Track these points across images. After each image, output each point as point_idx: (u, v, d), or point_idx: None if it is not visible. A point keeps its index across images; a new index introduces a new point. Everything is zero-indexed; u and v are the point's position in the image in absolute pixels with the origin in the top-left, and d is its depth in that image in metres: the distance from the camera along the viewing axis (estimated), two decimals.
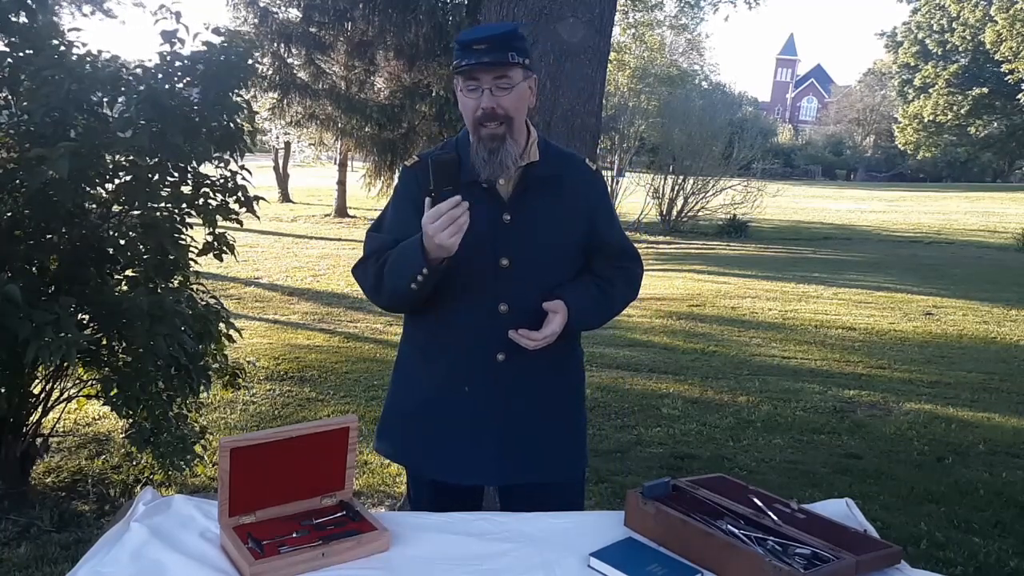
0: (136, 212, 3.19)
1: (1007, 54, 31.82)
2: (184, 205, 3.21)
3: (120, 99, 3.04)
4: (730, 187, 18.41)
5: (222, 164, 3.29)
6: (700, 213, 18.42)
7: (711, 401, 5.28)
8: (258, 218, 3.59)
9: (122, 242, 3.16)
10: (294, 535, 1.39)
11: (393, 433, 1.86)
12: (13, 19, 2.93)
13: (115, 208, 3.22)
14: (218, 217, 3.28)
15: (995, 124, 38.52)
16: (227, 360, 3.70)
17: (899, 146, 42.36)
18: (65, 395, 3.47)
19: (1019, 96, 33.54)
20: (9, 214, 3.02)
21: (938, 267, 13.15)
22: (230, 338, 3.52)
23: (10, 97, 3.00)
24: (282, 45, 11.51)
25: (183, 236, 3.23)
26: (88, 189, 3.06)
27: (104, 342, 3.21)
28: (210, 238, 3.36)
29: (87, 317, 3.11)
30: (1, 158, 2.99)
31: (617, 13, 9.95)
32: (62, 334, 2.62)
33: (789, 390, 5.58)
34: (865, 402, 5.38)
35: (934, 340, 7.51)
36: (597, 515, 1.62)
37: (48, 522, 3.09)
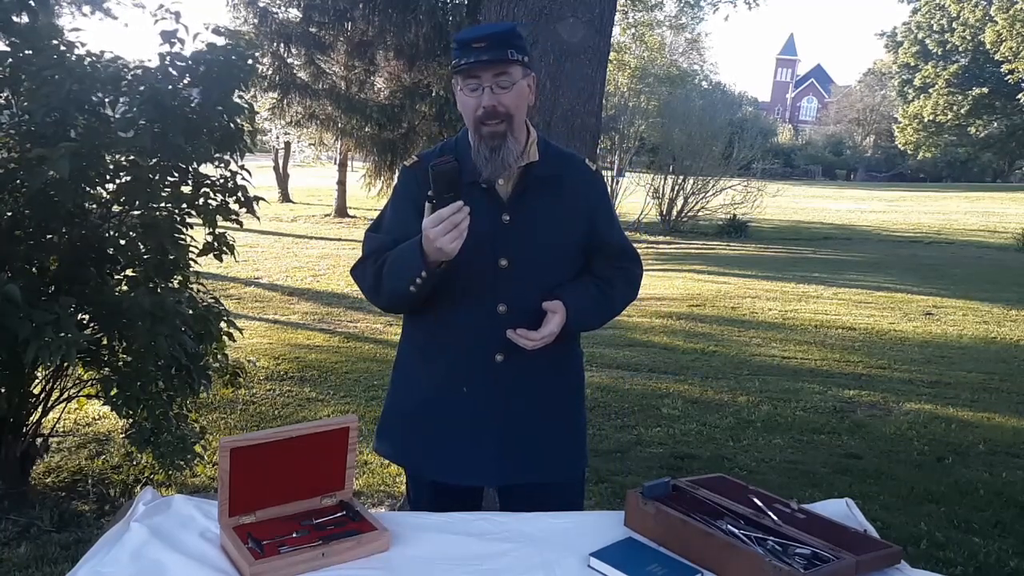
0: (136, 212, 3.19)
1: (1007, 54, 31.81)
2: (184, 205, 3.21)
3: (122, 99, 3.04)
4: (730, 187, 18.41)
5: (222, 164, 3.29)
6: (700, 213, 18.42)
7: (711, 401, 5.28)
8: (258, 218, 3.59)
9: (122, 242, 3.17)
10: (294, 535, 1.39)
11: (393, 433, 1.86)
12: (15, 19, 2.93)
13: (115, 208, 3.22)
14: (218, 217, 3.28)
15: (995, 124, 38.51)
16: (227, 360, 3.70)
17: (899, 146, 42.35)
18: (65, 395, 3.48)
19: (1019, 96, 33.54)
20: (9, 214, 3.02)
21: (938, 267, 13.15)
22: (231, 337, 3.52)
23: (11, 97, 3.00)
24: (282, 45, 11.52)
25: (183, 236, 3.23)
26: (88, 189, 3.07)
27: (104, 342, 3.21)
28: (210, 238, 3.36)
29: (87, 317, 3.11)
30: (2, 158, 2.99)
31: (617, 13, 9.95)
32: (62, 334, 2.62)
33: (789, 390, 5.58)
34: (865, 402, 5.38)
35: (934, 340, 7.51)
36: (597, 515, 1.62)
37: (48, 522, 3.09)
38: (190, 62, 3.09)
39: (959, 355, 6.93)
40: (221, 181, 3.29)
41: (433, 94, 10.43)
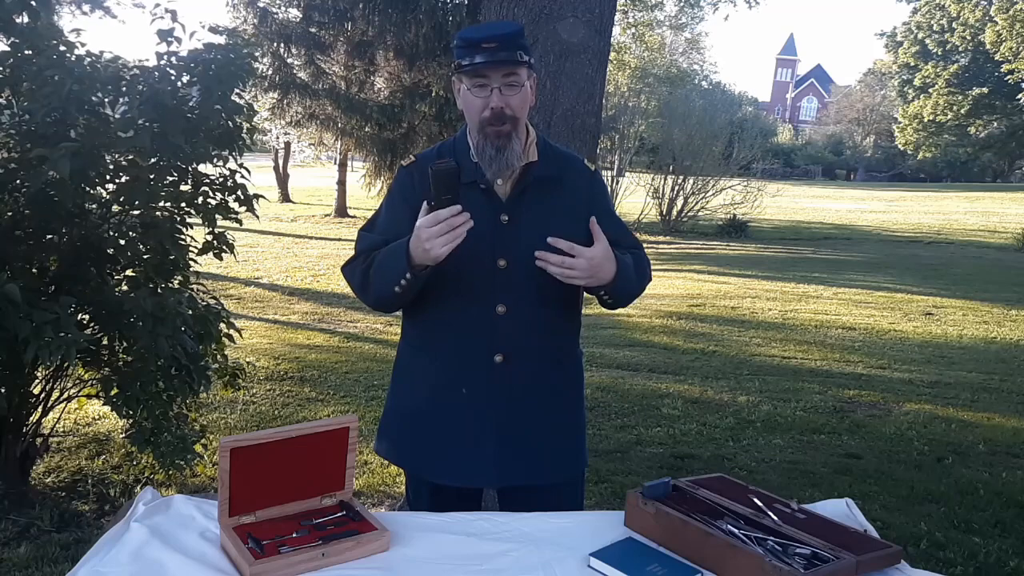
0: (136, 212, 3.19)
1: (1007, 54, 31.80)
2: (184, 204, 3.21)
3: (121, 99, 3.04)
4: (730, 187, 18.40)
5: (221, 163, 3.29)
6: (700, 213, 18.42)
7: (711, 401, 5.28)
8: (258, 217, 3.59)
9: (122, 242, 3.17)
10: (294, 535, 1.39)
11: (392, 434, 1.86)
12: (15, 19, 2.93)
13: (115, 208, 3.22)
14: (218, 216, 3.28)
15: (995, 124, 38.51)
16: (227, 360, 3.70)
17: (899, 146, 42.35)
18: (65, 395, 3.47)
19: (1019, 96, 33.53)
20: (9, 214, 3.02)
21: (938, 267, 13.15)
22: (230, 338, 3.52)
23: (11, 97, 3.00)
24: (282, 45, 11.52)
25: (183, 236, 3.23)
26: (88, 189, 3.07)
27: (104, 342, 3.21)
28: (210, 237, 3.36)
29: (87, 317, 3.11)
30: (2, 158, 2.99)
31: (617, 13, 9.95)
32: (62, 334, 2.62)
33: (789, 390, 5.58)
34: (865, 402, 5.38)
35: (934, 340, 7.51)
36: (597, 515, 1.62)
37: (48, 522, 3.09)
38: (188, 61, 3.09)
39: (959, 355, 6.93)
40: (220, 180, 3.28)
41: (433, 94, 10.44)
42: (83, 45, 3.01)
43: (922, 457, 4.31)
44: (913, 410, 5.21)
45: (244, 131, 3.32)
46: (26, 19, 2.93)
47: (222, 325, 3.42)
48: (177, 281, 3.34)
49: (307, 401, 4.96)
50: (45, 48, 2.88)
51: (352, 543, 1.37)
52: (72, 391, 3.50)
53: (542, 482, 1.76)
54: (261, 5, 11.41)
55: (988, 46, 33.20)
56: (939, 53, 38.53)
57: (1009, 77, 32.87)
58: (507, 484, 1.77)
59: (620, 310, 1.99)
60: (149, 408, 3.13)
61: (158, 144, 2.93)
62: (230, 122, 3.21)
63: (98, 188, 3.15)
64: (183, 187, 3.21)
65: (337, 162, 19.79)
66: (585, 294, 1.81)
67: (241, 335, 3.72)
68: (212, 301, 3.50)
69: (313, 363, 5.86)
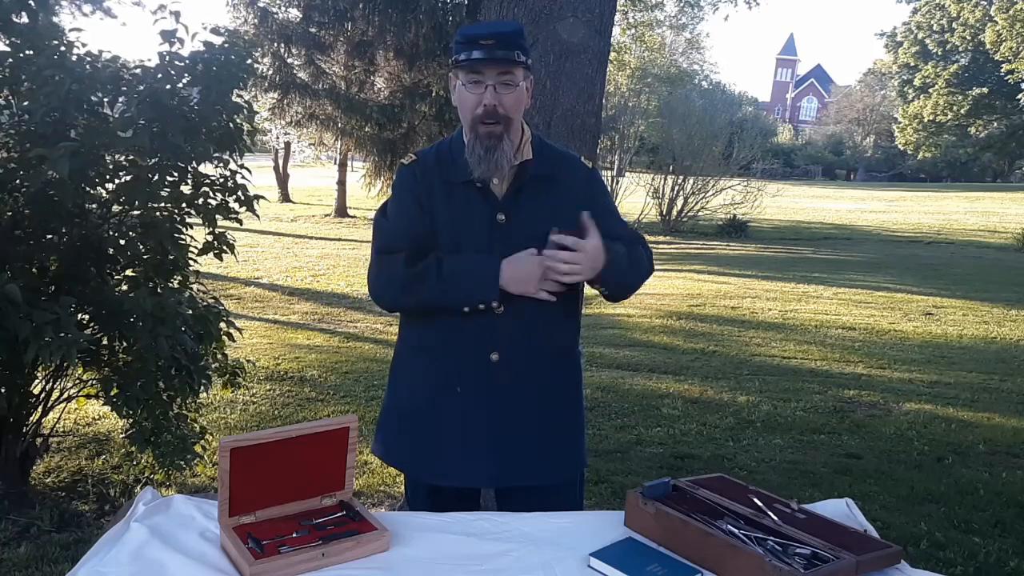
0: (136, 212, 3.18)
1: (1007, 54, 31.80)
2: (184, 205, 3.21)
3: (121, 99, 3.04)
4: (730, 187, 18.40)
5: (221, 163, 3.29)
6: (700, 213, 18.42)
7: (711, 401, 5.28)
8: (258, 217, 3.59)
9: (122, 242, 3.17)
10: (294, 535, 1.39)
11: (389, 434, 1.86)
12: (15, 19, 2.93)
13: (115, 208, 3.22)
14: (218, 217, 3.28)
15: (995, 124, 38.51)
16: (227, 360, 3.70)
17: (899, 146, 42.35)
18: (65, 395, 3.47)
19: (1019, 96, 33.53)
20: (9, 214, 3.02)
21: (938, 267, 13.15)
22: (230, 337, 3.52)
23: (11, 97, 3.00)
24: (282, 45, 11.52)
25: (183, 236, 3.23)
26: (88, 189, 3.06)
27: (104, 342, 3.21)
28: (210, 237, 3.36)
29: (87, 317, 3.11)
30: (2, 158, 2.99)
31: (617, 13, 9.95)
32: (62, 334, 2.62)
33: (789, 390, 5.58)
34: (865, 402, 5.38)
35: (934, 340, 7.51)
36: (597, 515, 1.62)
37: (48, 522, 3.09)
38: (189, 62, 3.09)
39: (959, 355, 6.93)
40: (220, 180, 3.28)
41: (433, 94, 10.44)
42: (83, 45, 3.01)
43: (922, 457, 4.31)
44: (913, 410, 5.21)
45: (244, 132, 3.32)
46: (26, 19, 2.93)
47: (222, 325, 3.42)
48: (177, 281, 3.33)
49: (307, 401, 4.96)
50: (45, 48, 2.88)
51: (352, 543, 1.37)
52: (72, 391, 3.50)
53: (540, 483, 1.76)
54: (261, 5, 11.41)
55: (988, 46, 33.20)
56: (939, 53, 38.53)
57: (1009, 77, 32.87)
58: (504, 485, 1.77)
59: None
60: (149, 408, 3.13)
61: (158, 144, 2.92)
62: (230, 122, 3.21)
63: (98, 188, 3.15)
64: (183, 187, 3.21)
65: (337, 162, 19.79)
66: (585, 294, 1.81)
67: (241, 335, 3.72)
68: (212, 301, 3.50)
69: (313, 363, 5.86)
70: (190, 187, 3.23)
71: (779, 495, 1.53)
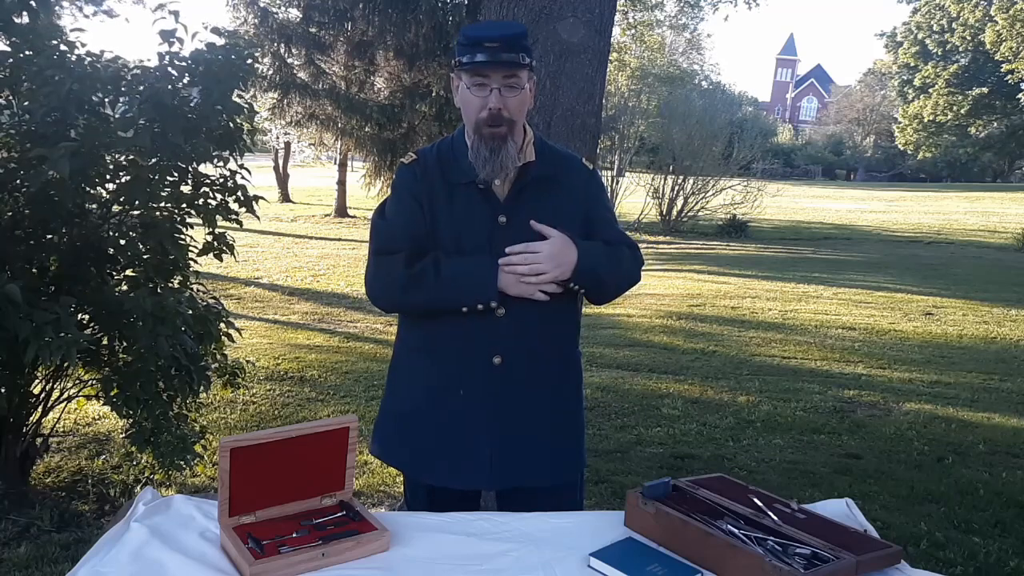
0: (136, 212, 3.19)
1: (1007, 54, 31.81)
2: (184, 205, 3.21)
3: (121, 99, 3.04)
4: (730, 187, 18.41)
5: (221, 163, 3.30)
6: (700, 213, 18.42)
7: (711, 401, 5.28)
8: (258, 218, 3.59)
9: (122, 242, 3.17)
10: (294, 535, 1.39)
11: (388, 435, 1.85)
12: (15, 19, 2.93)
13: (115, 208, 3.22)
14: (218, 217, 3.28)
15: (995, 124, 38.52)
16: (227, 360, 3.70)
17: (899, 146, 42.37)
18: (65, 395, 3.47)
19: (1019, 96, 33.55)
20: (9, 214, 3.03)
21: (938, 267, 13.15)
22: (230, 337, 3.52)
23: (11, 97, 3.00)
24: (282, 45, 11.51)
25: (183, 236, 3.23)
26: (88, 189, 3.07)
27: (104, 342, 3.21)
28: (210, 238, 3.36)
29: (87, 317, 3.11)
30: (2, 158, 2.99)
31: (617, 13, 9.95)
32: (62, 334, 2.62)
33: (789, 390, 5.58)
34: (865, 402, 5.38)
35: (934, 340, 7.51)
36: (597, 515, 1.62)
37: (48, 522, 3.09)
38: (189, 61, 3.09)
39: (959, 355, 6.93)
40: (220, 180, 3.29)
41: (433, 94, 10.43)
42: (83, 45, 3.02)
43: (922, 457, 4.31)
44: (913, 410, 5.21)
45: (244, 132, 3.32)
46: (26, 19, 2.93)
47: (222, 325, 3.42)
48: (177, 281, 3.34)
49: (307, 401, 4.96)
50: (45, 48, 2.88)
51: (352, 543, 1.37)
52: (72, 391, 3.50)
53: (540, 484, 1.76)
54: (261, 5, 11.40)
55: (988, 46, 33.21)
56: (939, 53, 38.55)
57: (1009, 77, 32.89)
58: (505, 486, 1.76)
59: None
60: (149, 408, 3.13)
61: (158, 144, 2.93)
62: (230, 122, 3.21)
63: (98, 188, 3.15)
64: (183, 187, 3.21)
65: (337, 162, 19.80)
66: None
67: (241, 335, 3.72)
68: (212, 301, 3.50)
69: (313, 363, 5.86)
70: (190, 187, 3.23)
71: (779, 495, 1.53)
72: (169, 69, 3.05)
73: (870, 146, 55.15)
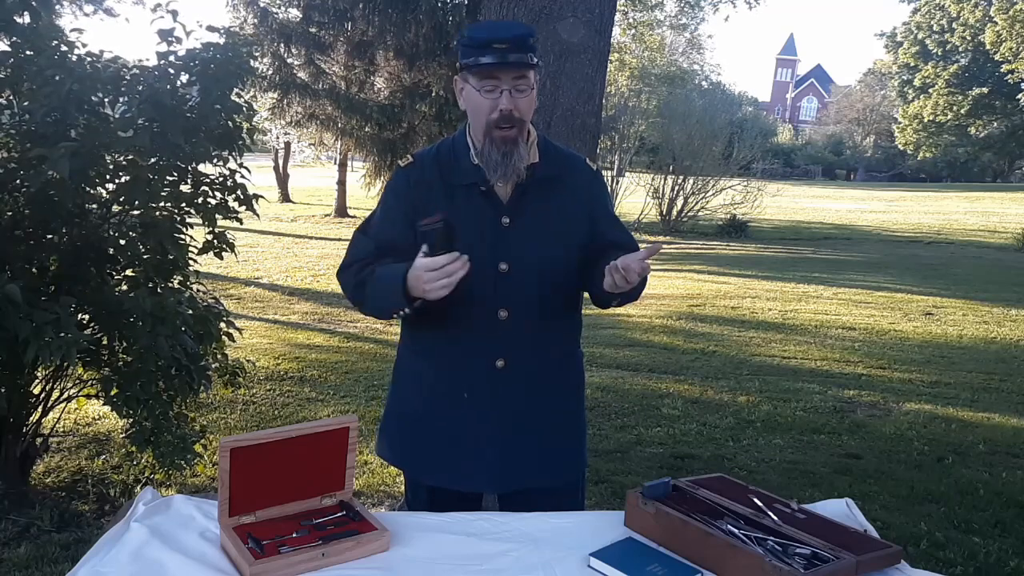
0: (136, 212, 3.19)
1: (1007, 54, 31.82)
2: (184, 204, 3.21)
3: (121, 99, 3.04)
4: (730, 187, 18.41)
5: (220, 162, 3.30)
6: (700, 213, 18.42)
7: (711, 401, 5.28)
8: (258, 216, 3.59)
9: (122, 242, 3.17)
10: (294, 535, 1.39)
11: (392, 436, 1.85)
12: (16, 20, 2.93)
13: (115, 208, 3.22)
14: (218, 216, 3.28)
15: (995, 124, 38.53)
16: (227, 360, 3.70)
17: (899, 146, 42.37)
18: (65, 395, 3.47)
19: (1019, 96, 33.55)
20: (9, 214, 3.03)
21: (938, 267, 13.15)
22: (230, 337, 3.52)
23: (12, 97, 3.00)
24: (282, 45, 11.51)
25: (183, 236, 3.23)
26: (88, 189, 3.07)
27: (104, 342, 3.21)
28: (210, 237, 3.36)
29: (87, 317, 3.11)
30: (2, 158, 3.00)
31: (617, 13, 9.95)
32: (62, 334, 2.62)
33: (789, 390, 5.58)
34: (865, 402, 5.38)
35: (934, 340, 7.51)
36: (597, 515, 1.62)
37: (48, 522, 3.09)
38: (187, 60, 3.09)
39: (959, 355, 6.93)
40: (220, 179, 3.29)
41: (433, 94, 10.43)
42: (84, 45, 3.02)
43: (922, 457, 4.31)
44: (913, 410, 5.21)
45: (244, 131, 3.32)
46: (27, 19, 2.93)
47: (222, 325, 3.42)
48: (177, 281, 3.34)
49: (307, 401, 4.96)
50: (46, 48, 2.88)
51: (352, 543, 1.37)
52: (72, 391, 3.50)
53: (542, 485, 1.75)
54: (261, 5, 11.41)
55: (988, 46, 33.21)
56: (939, 53, 38.56)
57: (1009, 77, 32.90)
58: (507, 489, 1.76)
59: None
60: (149, 408, 3.13)
61: (158, 144, 2.93)
62: (230, 121, 3.21)
63: (98, 188, 3.15)
64: (183, 187, 3.21)
65: (337, 162, 19.80)
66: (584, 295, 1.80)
67: (241, 335, 3.72)
68: (212, 301, 3.50)
69: (313, 363, 5.86)
70: (190, 187, 3.23)
71: (779, 495, 1.53)
72: (168, 68, 3.05)
73: (870, 146, 55.15)
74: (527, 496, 1.73)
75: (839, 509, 1.57)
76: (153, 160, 3.09)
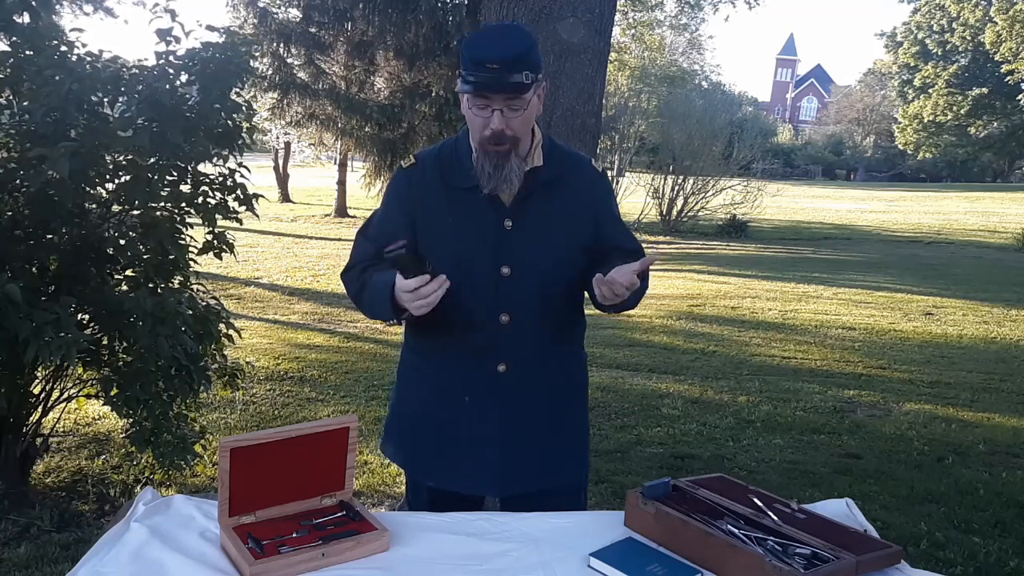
0: (136, 212, 3.19)
1: (1007, 54, 31.81)
2: (184, 204, 3.21)
3: (121, 99, 3.04)
4: (730, 187, 18.41)
5: (220, 162, 3.30)
6: (700, 213, 18.42)
7: (711, 401, 5.28)
8: (257, 216, 3.59)
9: (122, 242, 3.16)
10: (294, 535, 1.39)
11: (395, 436, 1.85)
12: (16, 19, 2.93)
13: (115, 208, 3.22)
14: (218, 216, 3.28)
15: (995, 124, 38.52)
16: (227, 360, 3.70)
17: (899, 146, 42.37)
18: (65, 395, 3.47)
19: (1019, 96, 33.54)
20: (9, 214, 3.02)
21: (938, 267, 13.15)
22: (230, 338, 3.52)
23: (12, 97, 3.00)
24: (282, 45, 11.51)
25: (183, 236, 3.23)
26: (88, 189, 3.07)
27: (104, 342, 3.21)
28: (210, 237, 3.36)
29: (87, 317, 3.11)
30: (2, 158, 2.99)
31: (617, 13, 9.94)
32: (62, 334, 2.62)
33: (789, 390, 5.58)
34: (865, 402, 5.38)
35: (934, 340, 7.51)
36: (597, 515, 1.62)
37: (48, 522, 3.09)
38: (187, 60, 3.09)
39: (959, 355, 6.93)
40: (220, 179, 3.29)
41: (433, 94, 10.43)
42: (83, 45, 3.02)
43: (922, 457, 4.31)
44: (913, 410, 5.21)
45: (244, 130, 3.32)
46: (27, 19, 2.93)
47: (222, 325, 3.42)
48: (177, 281, 3.34)
49: (307, 401, 4.95)
50: (45, 48, 2.88)
51: (352, 543, 1.37)
52: (72, 391, 3.50)
53: (544, 488, 1.75)
54: (261, 5, 11.40)
55: (988, 46, 33.21)
56: (939, 53, 38.56)
57: (1009, 77, 32.89)
58: (509, 492, 1.75)
59: None
60: (149, 408, 3.13)
61: (157, 143, 2.92)
62: (229, 121, 3.21)
63: (98, 188, 3.15)
64: (183, 187, 3.21)
65: (337, 162, 19.79)
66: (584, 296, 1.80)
67: (241, 335, 3.72)
68: (212, 301, 3.50)
69: (313, 363, 5.86)
70: (189, 186, 3.23)
71: (779, 495, 1.53)
72: (167, 68, 3.05)
73: (870, 146, 55.14)
74: (529, 499, 1.73)
75: (839, 509, 1.57)
76: (153, 160, 3.09)
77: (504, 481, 1.73)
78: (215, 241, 3.35)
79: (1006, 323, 8.45)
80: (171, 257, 3.17)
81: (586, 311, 1.85)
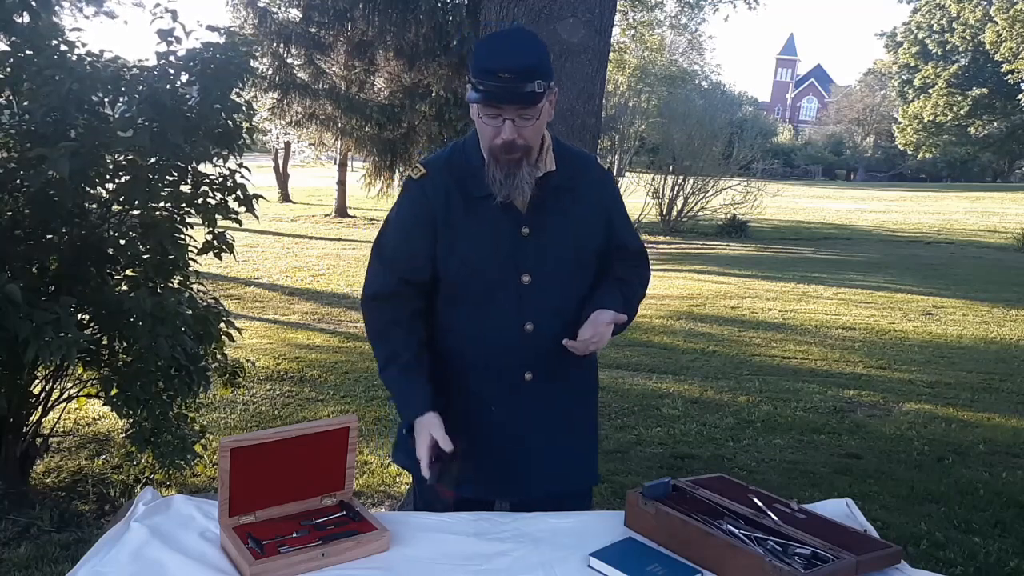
0: (136, 212, 3.19)
1: (1007, 54, 31.82)
2: (184, 204, 3.21)
3: (121, 99, 3.04)
4: (730, 187, 18.40)
5: (220, 162, 3.30)
6: (700, 213, 18.42)
7: (711, 401, 5.28)
8: (257, 217, 3.59)
9: (122, 242, 3.17)
10: (294, 535, 1.39)
11: (408, 443, 1.83)
12: (16, 19, 2.93)
13: (115, 208, 3.22)
14: (217, 216, 3.28)
15: (995, 124, 38.52)
16: (227, 360, 3.70)
17: (899, 146, 42.36)
18: (65, 395, 3.47)
19: (1019, 96, 33.55)
20: (9, 214, 3.03)
21: (938, 267, 13.15)
22: (230, 337, 3.52)
23: (12, 97, 3.00)
24: (282, 45, 11.50)
25: (183, 236, 3.23)
26: (88, 189, 3.07)
27: (104, 342, 3.21)
28: (210, 237, 3.36)
29: (87, 317, 3.11)
30: (2, 158, 2.99)
31: (617, 13, 9.94)
32: (62, 334, 2.62)
33: (789, 390, 5.57)
34: (865, 402, 5.38)
35: (934, 340, 7.51)
36: (597, 515, 1.62)
37: (48, 522, 3.09)
38: (187, 60, 3.09)
39: (959, 355, 6.93)
40: (220, 179, 3.29)
41: (433, 94, 10.41)
42: (83, 45, 3.02)
43: (922, 457, 4.31)
44: (913, 410, 5.21)
45: (244, 130, 3.32)
46: (27, 19, 2.93)
47: (222, 325, 3.42)
48: (177, 281, 3.34)
49: (307, 401, 4.95)
50: (45, 48, 2.88)
51: (352, 543, 1.37)
52: (72, 391, 3.50)
53: (560, 491, 1.75)
54: (261, 5, 11.39)
55: (988, 46, 33.21)
56: (939, 53, 38.55)
57: (1009, 77, 32.90)
58: (528, 496, 1.75)
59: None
60: (149, 408, 3.13)
61: (157, 143, 2.92)
62: (229, 121, 3.21)
63: (98, 188, 3.15)
64: (183, 187, 3.21)
65: (337, 162, 19.78)
66: None
67: (241, 335, 3.72)
68: (212, 301, 3.50)
69: (313, 363, 5.86)
70: (189, 186, 3.23)
71: (779, 495, 1.53)
72: (168, 68, 3.05)
73: (870, 146, 55.13)
74: (541, 502, 1.72)
75: (839, 509, 1.57)
76: (153, 160, 3.09)
77: (525, 486, 1.73)
78: (215, 241, 3.35)
79: (1006, 323, 8.44)
80: (171, 257, 3.17)
81: None
